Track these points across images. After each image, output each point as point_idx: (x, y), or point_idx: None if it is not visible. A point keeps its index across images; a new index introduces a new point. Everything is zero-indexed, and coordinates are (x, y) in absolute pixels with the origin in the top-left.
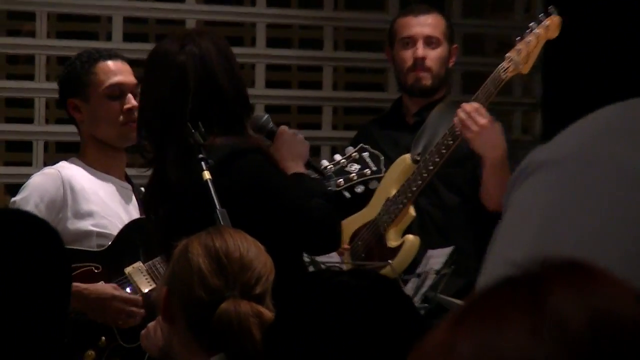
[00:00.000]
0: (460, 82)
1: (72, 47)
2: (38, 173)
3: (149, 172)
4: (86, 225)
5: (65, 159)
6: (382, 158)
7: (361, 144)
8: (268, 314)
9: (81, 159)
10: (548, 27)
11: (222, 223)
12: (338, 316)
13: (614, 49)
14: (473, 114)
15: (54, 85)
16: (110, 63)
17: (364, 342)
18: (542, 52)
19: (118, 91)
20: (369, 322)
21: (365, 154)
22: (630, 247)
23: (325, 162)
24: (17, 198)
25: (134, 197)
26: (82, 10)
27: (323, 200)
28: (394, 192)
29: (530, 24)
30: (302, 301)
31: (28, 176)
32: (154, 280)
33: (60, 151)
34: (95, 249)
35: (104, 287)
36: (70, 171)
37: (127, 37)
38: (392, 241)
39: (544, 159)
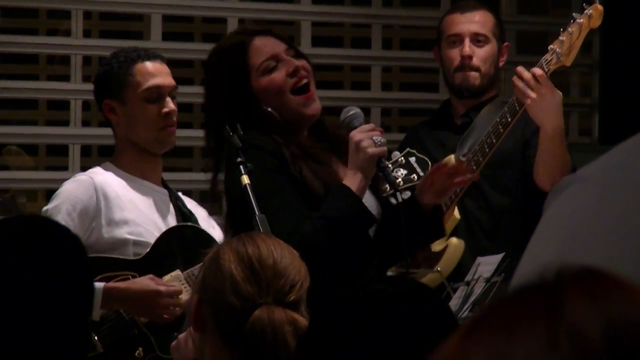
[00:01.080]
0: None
1: (108, 46)
2: (70, 180)
3: (185, 176)
4: (122, 233)
5: (100, 164)
6: (430, 163)
7: (408, 148)
8: (303, 321)
9: (116, 164)
10: (591, 15)
11: (260, 229)
12: (373, 325)
13: None
14: (534, 81)
15: (90, 86)
16: (148, 64)
17: (400, 351)
18: (600, 51)
19: (156, 94)
20: (405, 331)
21: (412, 159)
22: None
23: None
24: (49, 207)
25: (170, 204)
26: (119, 8)
27: (323, 222)
28: None
29: (574, 14)
30: (337, 309)
31: (64, 180)
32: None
33: (102, 155)
34: (132, 257)
35: (145, 283)
36: (104, 177)
37: (167, 36)
38: (436, 245)
39: (582, 174)
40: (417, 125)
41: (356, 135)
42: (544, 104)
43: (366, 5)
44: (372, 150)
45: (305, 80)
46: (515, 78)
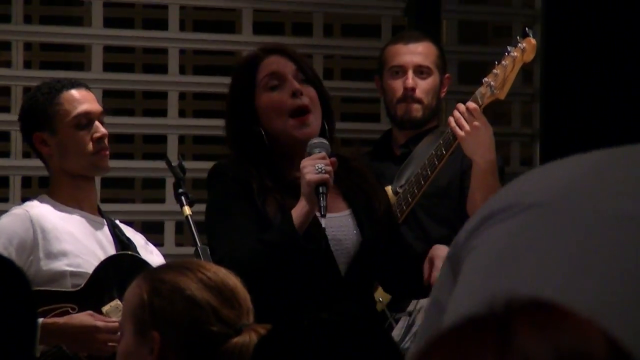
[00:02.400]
0: None
1: (49, 77)
2: (5, 214)
3: (123, 206)
4: (60, 265)
5: (36, 197)
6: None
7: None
8: None
9: (51, 196)
10: (524, 49)
11: (202, 259)
12: (316, 355)
13: (616, 78)
14: (467, 114)
15: None
16: (74, 92)
17: None
18: (540, 80)
19: (86, 120)
20: None
21: None
22: (600, 290)
23: None
24: None
25: (109, 232)
26: (60, 39)
27: (256, 244)
28: None
29: (508, 47)
30: (280, 338)
31: (4, 212)
32: None
33: (43, 186)
34: (71, 289)
35: (83, 319)
36: (40, 210)
37: (107, 67)
38: None
39: (529, 199)
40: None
41: (303, 162)
42: (477, 138)
43: (307, 35)
44: (310, 176)
45: (300, 102)
46: (454, 110)
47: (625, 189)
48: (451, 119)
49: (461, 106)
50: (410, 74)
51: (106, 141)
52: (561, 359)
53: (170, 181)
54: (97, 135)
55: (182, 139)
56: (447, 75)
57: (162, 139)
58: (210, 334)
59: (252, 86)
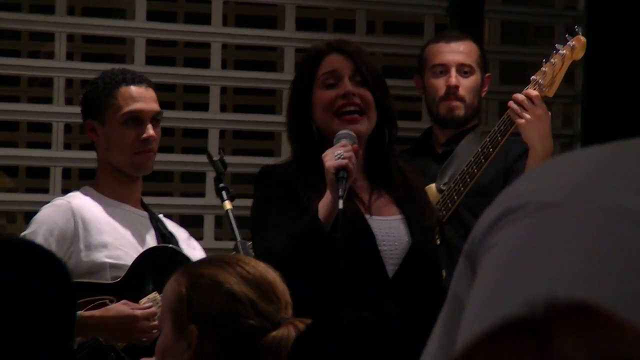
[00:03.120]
0: (497, 112)
1: (91, 69)
2: (47, 205)
3: (162, 199)
4: (100, 257)
5: (80, 187)
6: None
7: None
8: None
9: (95, 187)
10: (573, 47)
11: (242, 254)
12: (355, 353)
13: None
14: (528, 102)
15: (73, 109)
16: (133, 88)
17: None
18: (584, 83)
19: (135, 118)
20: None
21: None
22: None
23: None
24: (26, 232)
25: (151, 226)
26: (102, 32)
27: (286, 238)
28: None
29: (556, 45)
30: (321, 335)
31: (45, 203)
32: None
33: (83, 178)
34: (110, 281)
35: (120, 309)
36: (82, 201)
37: (150, 60)
38: None
39: (544, 199)
40: (398, 153)
41: (325, 153)
42: (538, 125)
43: (349, 32)
44: (329, 163)
45: (352, 108)
46: (510, 102)
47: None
48: (512, 106)
49: (519, 95)
50: (453, 72)
51: (154, 144)
52: None
53: (210, 175)
54: (144, 135)
55: (222, 134)
56: (487, 74)
57: (202, 133)
58: (249, 327)
59: (312, 81)
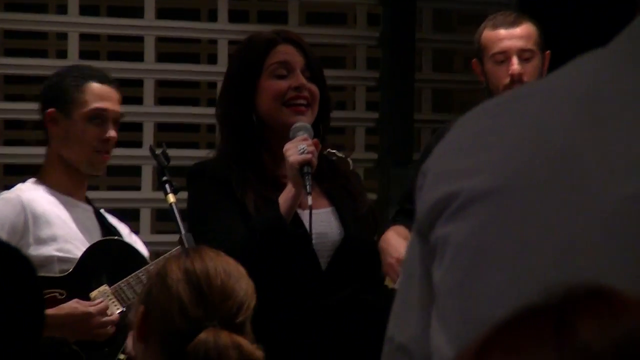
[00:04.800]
0: (430, 100)
1: (21, 65)
2: None
3: (107, 195)
4: (49, 250)
5: (25, 180)
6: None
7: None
8: (247, 345)
9: (42, 180)
10: None
11: (187, 247)
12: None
13: None
14: None
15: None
16: (102, 86)
17: None
18: None
19: (100, 116)
20: None
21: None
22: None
23: None
24: None
25: (95, 220)
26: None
27: (246, 233)
28: None
29: None
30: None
31: None
32: (120, 303)
33: (9, 174)
34: (59, 274)
35: (73, 307)
36: (31, 194)
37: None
38: None
39: (478, 188)
40: (452, 123)
41: (286, 146)
42: None
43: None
44: (293, 157)
45: (303, 101)
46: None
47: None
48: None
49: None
50: (514, 60)
51: (112, 145)
52: (622, 348)
53: (146, 169)
54: (106, 135)
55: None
56: (547, 52)
57: (137, 127)
58: (175, 326)
59: (260, 70)
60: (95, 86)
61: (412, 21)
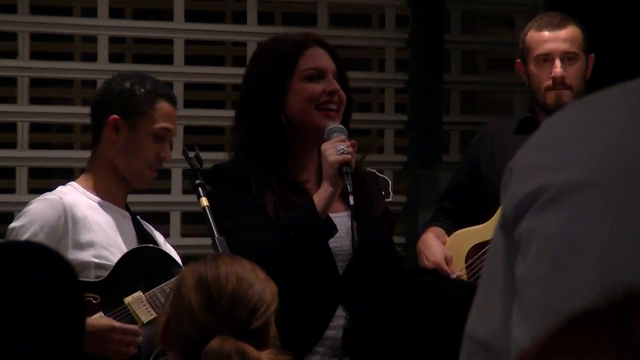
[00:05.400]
0: (459, 101)
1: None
2: (38, 199)
3: (137, 198)
4: (86, 255)
5: (67, 183)
6: (390, 183)
7: (368, 168)
8: (254, 352)
9: (84, 185)
10: None
11: (219, 251)
12: (441, 325)
13: None
14: None
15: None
16: (170, 106)
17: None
18: None
19: (164, 136)
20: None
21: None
22: None
23: None
24: (15, 224)
25: (132, 227)
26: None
27: (279, 229)
28: None
29: None
30: (399, 302)
31: (9, 204)
32: (154, 309)
33: (34, 177)
34: (94, 279)
35: (100, 320)
36: (72, 198)
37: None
38: None
39: (570, 181)
40: (494, 124)
41: (324, 145)
42: None
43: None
44: (333, 157)
45: (334, 106)
46: None
47: None
48: None
49: None
50: (558, 62)
51: (163, 163)
52: None
53: (176, 172)
54: (162, 154)
55: (187, 130)
56: (591, 54)
57: None
58: (186, 333)
59: (293, 67)
60: (165, 105)
61: (440, 22)
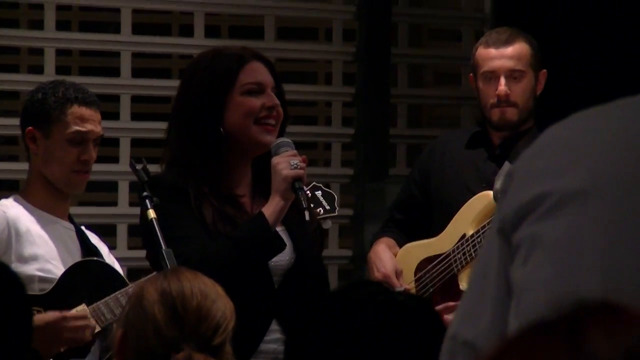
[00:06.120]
0: (406, 115)
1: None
2: None
3: (83, 210)
4: (30, 269)
5: (8, 196)
6: (336, 197)
7: (314, 183)
8: None
9: (25, 197)
10: None
11: (167, 263)
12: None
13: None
14: None
15: None
16: (83, 109)
17: None
18: None
19: (81, 139)
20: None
21: (318, 193)
22: None
23: None
24: None
25: (77, 239)
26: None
27: (227, 242)
28: (471, 230)
29: None
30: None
31: None
32: (98, 323)
33: None
34: (38, 293)
35: (49, 314)
36: (15, 211)
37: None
38: (465, 284)
39: (572, 188)
40: (445, 137)
41: (275, 159)
42: None
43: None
44: (286, 172)
45: (272, 121)
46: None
47: None
48: None
49: None
50: (502, 80)
51: (91, 164)
52: (632, 359)
53: (123, 184)
54: (84, 157)
55: (134, 142)
56: (543, 71)
57: (114, 142)
58: (150, 347)
59: (233, 81)
60: (77, 109)
61: (387, 36)
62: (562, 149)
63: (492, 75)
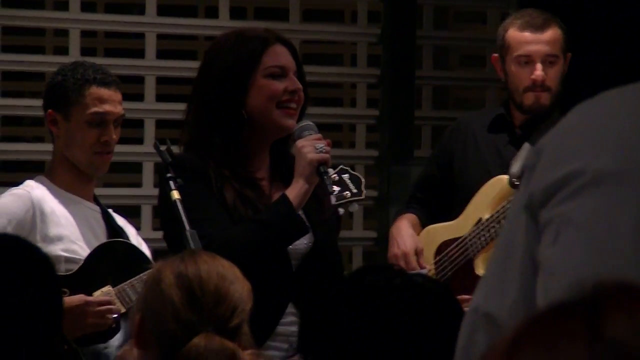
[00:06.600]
0: (431, 97)
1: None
2: (6, 194)
3: (108, 191)
4: (55, 250)
5: (34, 177)
6: (364, 180)
7: (341, 166)
8: (239, 351)
9: (50, 178)
10: None
11: (191, 244)
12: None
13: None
14: None
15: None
16: (103, 90)
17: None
18: None
19: (100, 120)
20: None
21: (345, 176)
22: None
23: None
24: None
25: (102, 220)
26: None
27: (252, 224)
28: (487, 215)
29: None
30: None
31: None
32: (122, 304)
33: (5, 171)
34: (64, 273)
35: (73, 297)
36: (40, 192)
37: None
38: (480, 269)
39: (605, 167)
40: (467, 118)
41: (300, 142)
42: None
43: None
44: (311, 155)
45: (294, 105)
46: None
47: None
48: None
49: None
50: (539, 66)
51: (113, 145)
52: None
53: (148, 165)
54: (104, 138)
55: (159, 124)
56: (568, 54)
57: (138, 123)
58: (169, 330)
59: (257, 63)
60: (96, 90)
61: (412, 18)
62: (595, 128)
63: (528, 60)
